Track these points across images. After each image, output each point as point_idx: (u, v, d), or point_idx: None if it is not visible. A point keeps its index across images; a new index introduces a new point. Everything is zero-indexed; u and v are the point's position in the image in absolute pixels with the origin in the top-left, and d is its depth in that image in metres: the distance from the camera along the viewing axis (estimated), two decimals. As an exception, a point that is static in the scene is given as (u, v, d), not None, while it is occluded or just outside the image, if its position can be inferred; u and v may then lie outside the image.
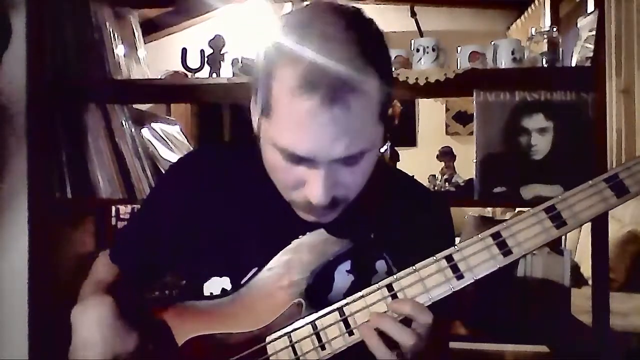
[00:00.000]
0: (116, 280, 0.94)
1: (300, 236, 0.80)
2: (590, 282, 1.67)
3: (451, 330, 1.83)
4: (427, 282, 0.74)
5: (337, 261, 0.81)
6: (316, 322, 0.76)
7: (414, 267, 0.75)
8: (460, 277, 0.74)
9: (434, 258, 0.75)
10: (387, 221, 0.86)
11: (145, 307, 0.86)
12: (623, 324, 2.13)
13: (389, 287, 0.75)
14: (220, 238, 0.88)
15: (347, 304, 0.75)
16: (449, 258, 0.74)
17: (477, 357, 1.96)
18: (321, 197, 0.74)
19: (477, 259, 0.74)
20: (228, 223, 0.88)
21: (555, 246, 2.00)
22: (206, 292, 0.87)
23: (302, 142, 0.71)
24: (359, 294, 0.75)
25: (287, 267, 0.79)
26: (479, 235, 0.75)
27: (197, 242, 0.89)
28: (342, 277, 0.84)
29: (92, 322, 0.77)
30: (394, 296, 0.74)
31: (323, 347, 0.75)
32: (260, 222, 0.87)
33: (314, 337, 0.75)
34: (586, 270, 2.50)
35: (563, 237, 2.12)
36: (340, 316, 0.75)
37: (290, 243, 0.80)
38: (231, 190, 0.90)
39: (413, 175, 1.03)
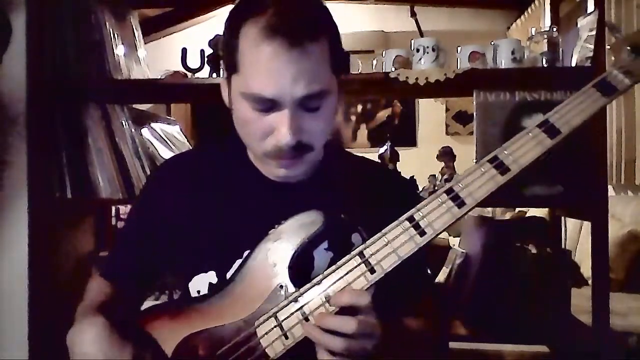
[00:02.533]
0: (109, 298, 0.97)
1: (276, 226, 0.85)
2: (590, 282, 1.67)
3: (451, 330, 1.83)
4: (394, 244, 0.80)
5: (314, 242, 0.86)
6: (299, 298, 0.81)
7: (382, 232, 0.81)
8: (422, 233, 0.80)
9: (398, 221, 0.81)
10: (353, 201, 0.91)
11: (138, 319, 0.89)
12: (623, 324, 2.13)
13: (361, 254, 0.80)
14: (204, 234, 0.92)
15: (325, 277, 0.81)
16: (410, 219, 0.81)
17: (477, 357, 1.96)
18: (288, 136, 0.82)
19: (435, 214, 0.80)
20: (211, 219, 0.93)
21: (555, 246, 2.00)
22: (194, 289, 0.92)
23: (268, 84, 0.80)
24: (335, 266, 0.81)
25: (268, 254, 0.85)
26: (435, 194, 0.82)
27: (183, 240, 0.93)
28: (322, 255, 0.90)
29: (88, 339, 0.81)
30: (367, 262, 0.80)
31: (307, 319, 0.80)
32: (241, 214, 0.93)
33: (298, 312, 0.80)
34: (586, 270, 2.51)
35: (563, 237, 2.11)
36: (321, 290, 0.80)
37: (268, 234, 0.86)
38: (213, 187, 0.95)
39: (413, 176, 1.04)
